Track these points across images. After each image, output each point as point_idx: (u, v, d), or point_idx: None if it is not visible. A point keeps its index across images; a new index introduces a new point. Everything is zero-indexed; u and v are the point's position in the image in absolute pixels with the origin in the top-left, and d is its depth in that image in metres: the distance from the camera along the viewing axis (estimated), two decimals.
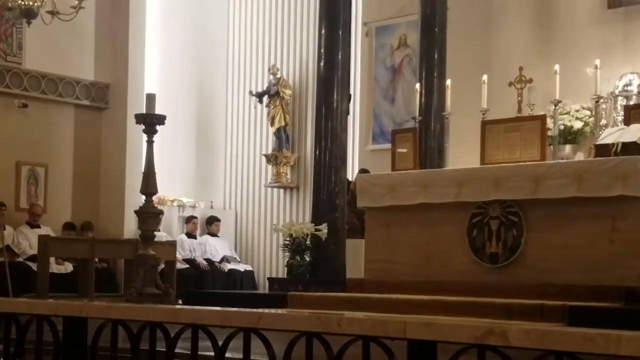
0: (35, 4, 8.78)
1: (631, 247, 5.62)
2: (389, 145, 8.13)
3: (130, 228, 10.82)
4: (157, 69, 12.03)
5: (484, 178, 6.27)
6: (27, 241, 10.12)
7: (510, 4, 9.83)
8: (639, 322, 4.85)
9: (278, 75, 12.22)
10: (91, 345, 2.96)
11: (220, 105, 12.98)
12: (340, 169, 8.19)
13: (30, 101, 10.79)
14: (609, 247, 5.72)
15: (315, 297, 6.73)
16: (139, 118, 6.99)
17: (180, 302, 8.01)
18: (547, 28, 9.55)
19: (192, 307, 2.97)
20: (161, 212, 7.85)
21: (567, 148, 8.89)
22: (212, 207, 12.59)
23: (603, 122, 8.41)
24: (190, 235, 11.75)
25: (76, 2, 8.91)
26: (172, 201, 11.96)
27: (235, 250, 12.51)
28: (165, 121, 7.00)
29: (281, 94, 12.14)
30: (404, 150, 7.36)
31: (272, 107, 12.24)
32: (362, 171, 8.92)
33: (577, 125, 8.94)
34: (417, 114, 7.89)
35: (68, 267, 10.29)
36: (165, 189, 10.61)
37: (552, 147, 7.58)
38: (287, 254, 8.01)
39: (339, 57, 8.21)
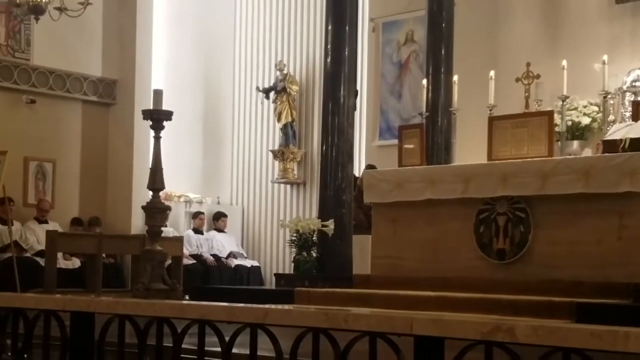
0: (43, 1, 8.80)
1: (639, 244, 5.60)
2: (395, 141, 8.12)
3: (138, 224, 10.84)
4: (164, 65, 12.04)
5: (491, 174, 6.25)
6: (34, 236, 10.15)
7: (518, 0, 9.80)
8: None
9: (285, 71, 12.22)
10: (98, 340, 2.97)
11: (227, 101, 12.98)
12: (347, 164, 8.19)
13: (38, 97, 10.82)
14: (616, 244, 5.70)
15: (322, 293, 6.74)
16: (146, 114, 7.00)
17: (187, 297, 8.02)
18: (554, 23, 9.51)
19: (199, 302, 2.97)
20: (169, 208, 7.88)
21: (575, 144, 8.86)
22: (219, 202, 12.60)
23: (611, 118, 8.38)
24: (197, 230, 11.77)
25: None
26: (179, 197, 11.98)
27: (242, 246, 12.52)
28: (172, 117, 7.01)
29: (288, 89, 12.14)
30: (411, 146, 7.35)
31: (278, 103, 12.24)
32: (369, 167, 8.92)
33: (585, 121, 8.90)
34: (424, 109, 7.88)
35: (75, 263, 10.31)
36: (173, 185, 10.63)
37: (559, 143, 7.56)
38: (293, 249, 8.01)
39: (346, 53, 8.20)
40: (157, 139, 6.93)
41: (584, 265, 5.78)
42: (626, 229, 5.67)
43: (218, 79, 12.86)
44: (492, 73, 7.10)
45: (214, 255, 11.65)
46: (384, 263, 6.87)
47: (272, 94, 12.32)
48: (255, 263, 12.18)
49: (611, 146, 6.06)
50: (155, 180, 6.93)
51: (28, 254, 10.01)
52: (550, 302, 5.36)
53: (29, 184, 10.73)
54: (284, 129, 12.19)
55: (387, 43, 10.98)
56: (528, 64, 7.14)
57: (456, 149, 8.27)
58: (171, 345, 2.78)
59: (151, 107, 7.00)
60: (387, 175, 6.98)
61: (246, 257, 12.22)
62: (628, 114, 8.24)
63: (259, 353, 2.60)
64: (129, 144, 11.24)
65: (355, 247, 7.97)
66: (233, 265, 11.74)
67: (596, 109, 8.75)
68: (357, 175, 9.31)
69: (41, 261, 9.53)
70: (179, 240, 10.27)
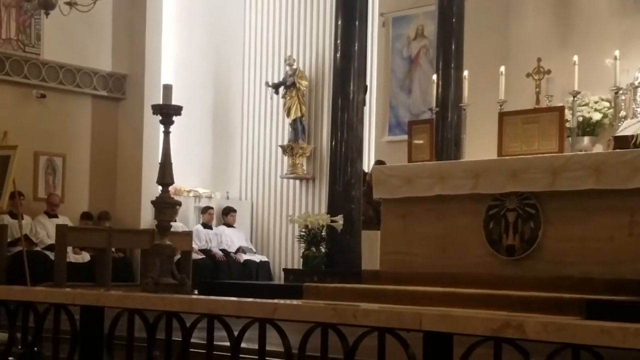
0: None
1: None
2: (405, 137, 8.10)
3: (147, 218, 10.87)
4: (173, 59, 12.05)
5: (501, 170, 6.23)
6: (44, 231, 10.20)
7: None
8: None
9: (294, 66, 12.21)
10: (108, 334, 2.98)
11: (237, 96, 12.99)
12: (356, 160, 8.18)
13: (48, 92, 10.86)
14: (627, 240, 5.67)
15: (331, 288, 6.74)
16: (156, 109, 7.00)
17: (196, 292, 8.04)
18: (566, 19, 9.46)
19: (208, 297, 2.97)
20: (179, 204, 7.88)
21: (586, 140, 8.83)
22: (228, 197, 12.62)
23: (622, 113, 8.33)
24: (206, 225, 11.79)
25: None
26: (189, 192, 12.00)
27: (251, 241, 12.54)
28: (182, 112, 7.01)
29: (297, 85, 12.13)
30: (421, 141, 7.34)
31: (288, 98, 12.23)
32: (378, 162, 8.90)
33: (596, 116, 8.86)
34: (434, 105, 7.86)
35: (85, 257, 10.35)
36: (182, 180, 10.65)
37: (570, 138, 7.52)
38: (302, 245, 8.02)
39: (356, 48, 8.19)
40: (167, 133, 6.93)
41: (594, 262, 5.75)
42: (637, 226, 5.64)
43: (227, 74, 12.86)
44: (502, 68, 7.07)
45: (223, 250, 11.67)
46: (393, 259, 6.87)
47: (281, 89, 12.31)
48: (264, 258, 12.20)
49: (622, 142, 6.03)
50: (165, 175, 6.93)
51: (38, 248, 10.06)
52: (560, 299, 5.34)
53: (39, 179, 10.77)
54: (293, 124, 12.19)
55: (397, 38, 10.95)
56: (539, 60, 7.10)
57: (466, 145, 8.25)
58: (180, 339, 2.78)
59: (161, 102, 7.00)
60: (396, 171, 6.97)
61: (255, 252, 12.24)
62: None
63: (267, 348, 2.60)
64: (139, 139, 11.27)
65: (364, 242, 7.97)
66: (242, 260, 11.76)
67: (607, 104, 8.70)
68: (366, 170, 9.30)
69: (51, 255, 9.57)
70: (188, 235, 10.29)
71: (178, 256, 9.06)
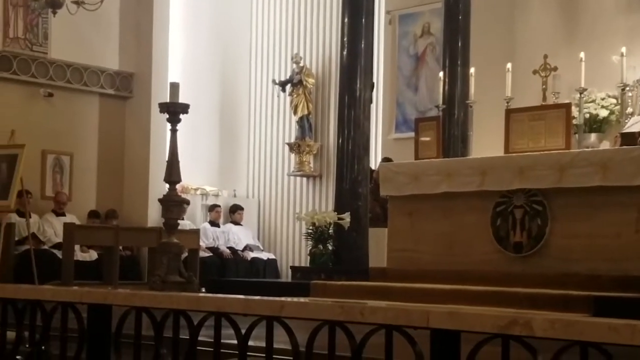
0: None
1: None
2: (412, 134, 8.10)
3: (154, 216, 10.89)
4: (180, 58, 12.07)
5: (507, 167, 6.22)
6: (52, 229, 10.23)
7: None
8: None
9: (301, 64, 12.21)
10: (115, 332, 2.98)
11: (244, 93, 13.00)
12: (363, 157, 8.18)
13: (55, 90, 10.88)
14: (634, 237, 5.65)
15: (338, 285, 6.74)
16: (163, 107, 7.02)
17: (203, 290, 8.06)
18: (572, 15, 9.44)
19: (215, 295, 2.98)
20: (187, 202, 7.89)
21: (593, 137, 8.80)
22: (235, 195, 12.63)
23: (629, 110, 8.31)
24: (214, 223, 11.81)
25: None
26: (196, 190, 12.02)
27: (258, 238, 12.55)
28: (189, 110, 7.02)
29: (304, 82, 12.13)
30: (427, 138, 7.33)
31: (295, 95, 12.24)
32: (385, 160, 8.90)
33: (603, 113, 8.84)
34: (441, 102, 7.85)
35: (93, 255, 10.38)
36: (189, 178, 10.67)
37: (577, 135, 7.51)
38: (309, 242, 8.02)
39: (362, 45, 8.18)
40: (174, 131, 6.95)
41: (602, 259, 5.74)
42: None
43: (234, 71, 12.87)
44: (509, 65, 7.06)
45: (230, 248, 11.68)
46: (400, 256, 6.86)
47: (288, 87, 12.32)
48: (272, 256, 12.21)
49: (629, 139, 6.01)
50: (172, 173, 6.95)
51: (46, 247, 10.09)
52: (568, 296, 5.33)
53: (46, 177, 10.80)
54: (300, 121, 12.19)
55: (404, 35, 10.94)
56: (545, 56, 7.09)
57: (473, 142, 8.24)
58: (187, 337, 2.79)
59: (168, 100, 7.02)
60: (403, 168, 6.96)
61: (262, 250, 12.25)
62: None
63: (275, 346, 2.60)
64: (146, 137, 11.29)
65: (371, 240, 7.96)
66: (249, 258, 11.77)
67: (614, 101, 8.68)
68: (373, 168, 9.30)
69: (58, 253, 9.60)
70: (195, 233, 10.31)
71: (185, 254, 9.07)
